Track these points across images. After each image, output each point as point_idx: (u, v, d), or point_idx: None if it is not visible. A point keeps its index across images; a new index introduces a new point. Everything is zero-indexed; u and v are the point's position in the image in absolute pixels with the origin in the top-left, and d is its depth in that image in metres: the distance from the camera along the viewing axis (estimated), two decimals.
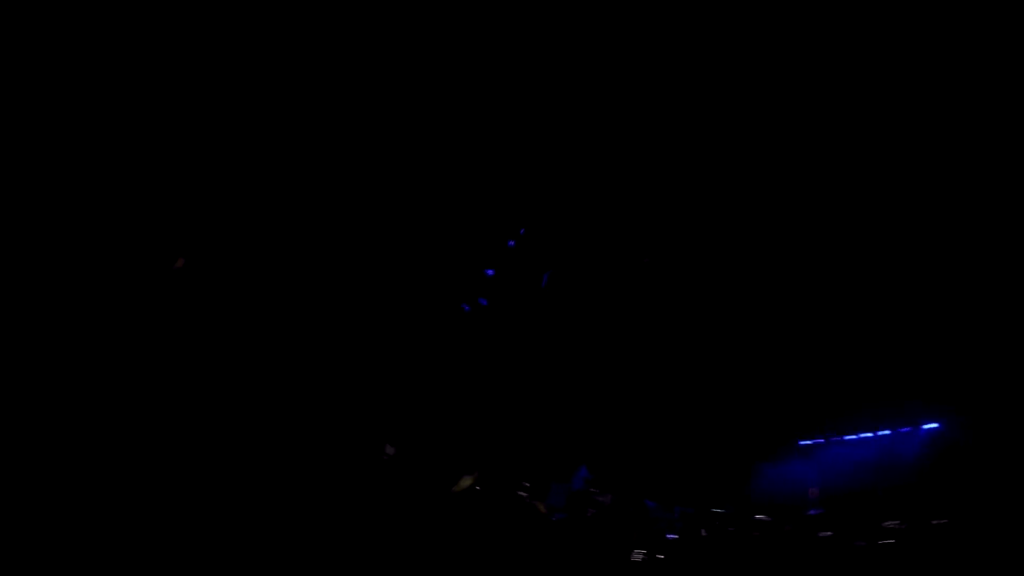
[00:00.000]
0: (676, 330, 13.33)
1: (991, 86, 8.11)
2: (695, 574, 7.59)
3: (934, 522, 8.93)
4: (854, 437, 12.59)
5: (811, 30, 8.44)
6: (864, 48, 8.45)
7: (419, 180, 11.37)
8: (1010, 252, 10.28)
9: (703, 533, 9.13)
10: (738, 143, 10.77)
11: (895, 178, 10.28)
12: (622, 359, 13.57)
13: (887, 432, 12.35)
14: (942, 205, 10.22)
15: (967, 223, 10.30)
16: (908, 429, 12.14)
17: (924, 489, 10.41)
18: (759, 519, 9.03)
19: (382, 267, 11.11)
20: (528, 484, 10.11)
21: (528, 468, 10.09)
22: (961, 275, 10.86)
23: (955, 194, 10.02)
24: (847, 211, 10.84)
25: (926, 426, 11.79)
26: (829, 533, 7.89)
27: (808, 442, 13.09)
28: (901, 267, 11.24)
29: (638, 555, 7.86)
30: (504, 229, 13.92)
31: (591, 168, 12.21)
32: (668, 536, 8.66)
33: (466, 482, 8.01)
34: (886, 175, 10.33)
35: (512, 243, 14.01)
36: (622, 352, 13.62)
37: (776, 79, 9.32)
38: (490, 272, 14.04)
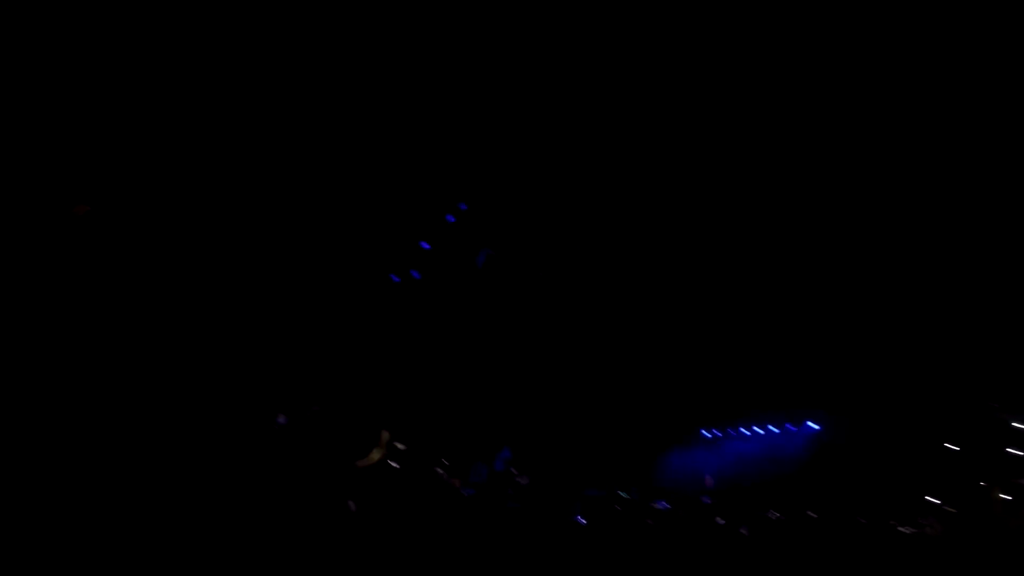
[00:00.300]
0: (598, 321, 13.75)
1: (987, 86, 8.33)
2: (601, 556, 8.05)
3: (808, 514, 10.05)
4: (747, 432, 13.82)
5: (810, 30, 8.65)
6: (864, 48, 8.52)
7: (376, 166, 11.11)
8: (891, 265, 11.40)
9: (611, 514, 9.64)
10: (703, 135, 11.01)
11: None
12: (545, 344, 13.90)
13: (775, 430, 13.66)
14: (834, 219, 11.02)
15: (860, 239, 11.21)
16: (793, 428, 13.48)
17: (801, 483, 11.63)
18: (658, 506, 9.73)
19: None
20: (447, 462, 10.34)
21: (450, 446, 10.30)
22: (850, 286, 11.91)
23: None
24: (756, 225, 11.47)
25: (809, 426, 13.14)
26: (722, 521, 8.64)
27: (709, 434, 14.24)
28: (802, 276, 12.14)
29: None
30: (445, 204, 13.75)
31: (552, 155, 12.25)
32: (577, 519, 9.17)
33: (376, 455, 8.12)
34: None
35: (451, 218, 13.88)
36: (545, 337, 13.95)
37: (763, 77, 9.42)
38: (425, 245, 13.87)
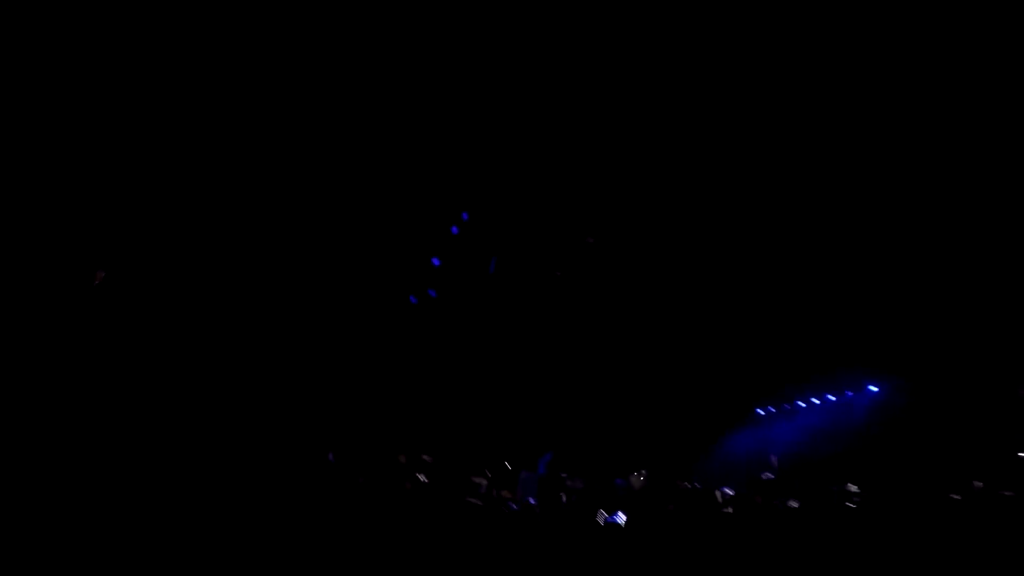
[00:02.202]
0: (628, 310, 13.28)
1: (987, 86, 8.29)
2: (669, 550, 7.39)
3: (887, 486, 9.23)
4: (803, 404, 13.03)
5: (810, 30, 8.47)
6: (863, 48, 8.48)
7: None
8: (949, 236, 10.83)
9: (671, 508, 9.00)
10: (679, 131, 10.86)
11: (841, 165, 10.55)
12: (572, 342, 13.42)
13: (833, 398, 12.83)
14: (891, 188, 10.61)
15: (916, 210, 10.74)
16: (852, 394, 12.65)
17: (872, 453, 10.80)
18: (727, 492, 9.01)
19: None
20: (490, 474, 9.73)
21: (484, 459, 9.78)
22: (902, 256, 11.34)
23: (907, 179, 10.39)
24: (798, 190, 11.06)
25: (870, 389, 12.31)
26: (795, 504, 7.90)
27: (763, 411, 13.49)
28: (845, 247, 11.60)
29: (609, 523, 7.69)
30: (447, 217, 13.45)
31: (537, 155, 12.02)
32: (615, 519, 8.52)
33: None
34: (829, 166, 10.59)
35: (455, 230, 13.54)
36: (572, 335, 13.48)
37: (763, 78, 9.32)
38: (436, 262, 13.52)
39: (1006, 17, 7.33)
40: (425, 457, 8.20)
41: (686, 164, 11.10)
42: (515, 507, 9.51)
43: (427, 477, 7.27)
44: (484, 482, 9.51)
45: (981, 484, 7.84)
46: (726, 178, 11.07)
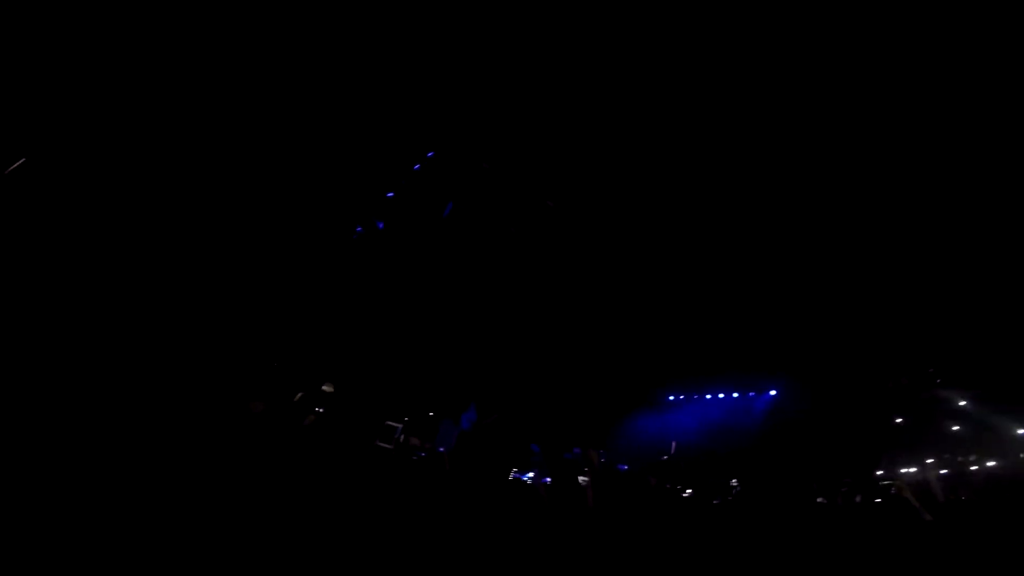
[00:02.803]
0: (566, 293, 13.58)
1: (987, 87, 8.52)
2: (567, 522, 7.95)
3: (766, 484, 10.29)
4: (710, 397, 14.03)
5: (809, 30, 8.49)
6: (864, 48, 8.59)
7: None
8: (854, 241, 11.69)
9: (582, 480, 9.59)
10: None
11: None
12: (511, 314, 13.63)
13: (736, 395, 13.91)
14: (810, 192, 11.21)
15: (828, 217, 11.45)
16: (753, 394, 13.76)
17: (760, 451, 11.94)
18: (619, 468, 9.75)
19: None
20: (407, 419, 10.02)
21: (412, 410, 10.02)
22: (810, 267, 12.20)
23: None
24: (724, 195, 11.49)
25: (769, 392, 13.44)
26: (689, 491, 8.67)
27: (673, 398, 14.41)
28: (766, 257, 12.32)
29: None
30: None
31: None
32: (544, 480, 9.07)
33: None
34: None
35: (417, 167, 13.25)
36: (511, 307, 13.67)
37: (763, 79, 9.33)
38: (390, 195, 13.23)
39: (1006, 17, 7.58)
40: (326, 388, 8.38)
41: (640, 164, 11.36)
42: (423, 455, 9.87)
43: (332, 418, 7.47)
44: (399, 427, 9.75)
45: (847, 491, 8.94)
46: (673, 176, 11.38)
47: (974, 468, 9.80)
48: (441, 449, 9.25)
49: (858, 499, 8.38)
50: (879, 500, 7.96)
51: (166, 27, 7.19)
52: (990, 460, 9.68)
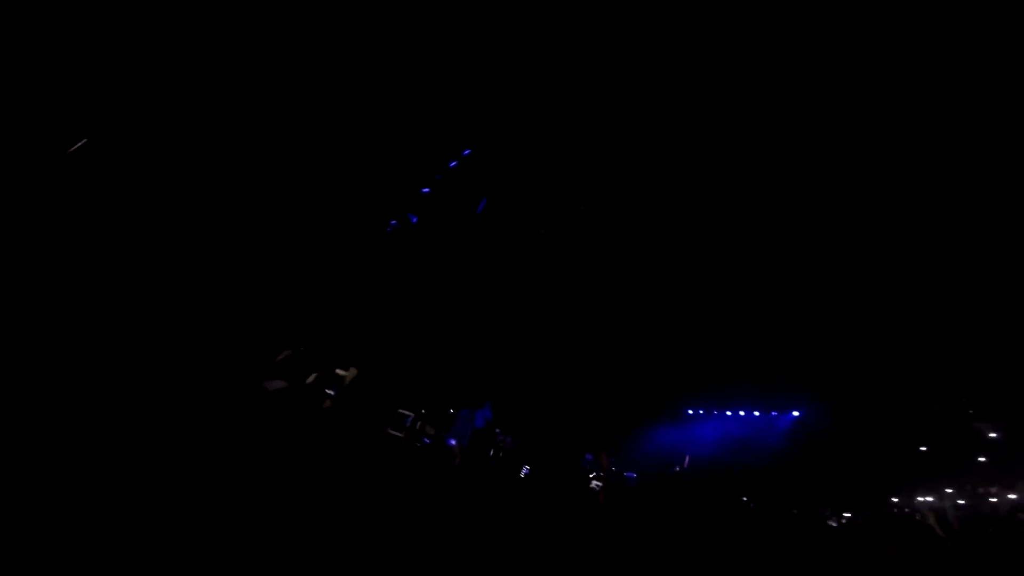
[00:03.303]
0: (587, 301, 13.66)
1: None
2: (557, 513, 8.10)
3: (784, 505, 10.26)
4: (730, 413, 13.95)
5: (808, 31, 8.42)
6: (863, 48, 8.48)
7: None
8: (879, 260, 11.49)
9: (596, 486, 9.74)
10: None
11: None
12: (532, 316, 13.76)
13: (757, 413, 13.79)
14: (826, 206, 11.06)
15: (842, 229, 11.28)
16: (775, 413, 13.63)
17: (776, 471, 11.87)
18: (627, 476, 9.85)
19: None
20: (424, 411, 10.29)
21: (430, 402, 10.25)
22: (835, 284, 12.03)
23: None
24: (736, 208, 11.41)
25: (792, 413, 13.28)
26: (692, 503, 8.76)
27: (693, 412, 14.38)
28: (788, 274, 12.21)
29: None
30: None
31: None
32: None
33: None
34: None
35: (453, 164, 13.54)
36: (532, 310, 13.81)
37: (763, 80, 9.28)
38: (425, 191, 13.55)
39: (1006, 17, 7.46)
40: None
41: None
42: (427, 441, 10.13)
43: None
44: (411, 415, 10.01)
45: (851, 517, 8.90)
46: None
47: (994, 500, 9.61)
48: (452, 442, 9.49)
49: (868, 523, 8.35)
50: (893, 526, 7.91)
51: (197, 25, 7.39)
52: (1011, 493, 9.47)
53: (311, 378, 8.15)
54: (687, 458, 10.63)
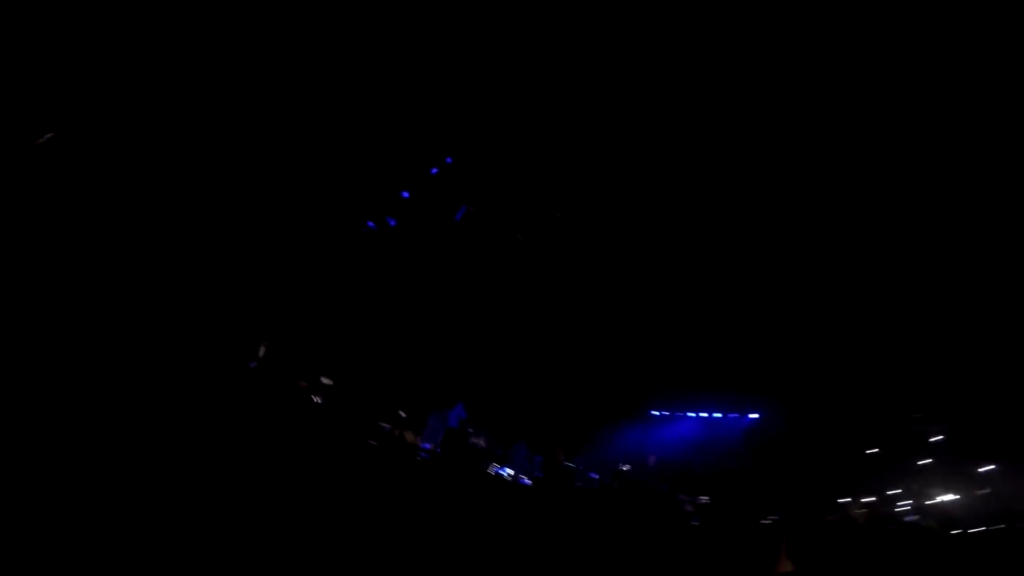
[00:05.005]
0: (561, 303, 14.02)
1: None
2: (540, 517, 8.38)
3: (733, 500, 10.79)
4: (692, 415, 14.56)
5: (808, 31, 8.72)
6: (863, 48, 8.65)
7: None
8: (841, 267, 12.11)
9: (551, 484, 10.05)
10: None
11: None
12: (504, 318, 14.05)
13: (718, 415, 14.43)
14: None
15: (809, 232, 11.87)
16: (735, 415, 14.28)
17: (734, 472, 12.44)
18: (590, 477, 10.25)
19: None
20: (403, 414, 10.53)
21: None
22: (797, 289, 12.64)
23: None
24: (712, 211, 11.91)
25: (750, 415, 13.95)
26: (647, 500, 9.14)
27: (657, 413, 14.94)
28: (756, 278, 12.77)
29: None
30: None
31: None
32: (523, 481, 9.62)
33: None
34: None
35: (434, 171, 13.75)
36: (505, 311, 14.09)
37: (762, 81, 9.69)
38: (405, 194, 13.72)
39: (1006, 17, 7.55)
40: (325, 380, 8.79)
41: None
42: (408, 445, 10.39)
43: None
44: (388, 427, 10.24)
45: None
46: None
47: (933, 502, 10.29)
48: (427, 445, 9.78)
49: (815, 523, 8.89)
50: (837, 525, 8.43)
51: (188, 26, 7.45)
52: (949, 495, 10.16)
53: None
54: (651, 457, 11.13)
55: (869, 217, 11.13)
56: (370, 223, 13.57)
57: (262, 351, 8.62)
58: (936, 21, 8.13)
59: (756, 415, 14.10)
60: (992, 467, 10.65)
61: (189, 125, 8.01)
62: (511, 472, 10.26)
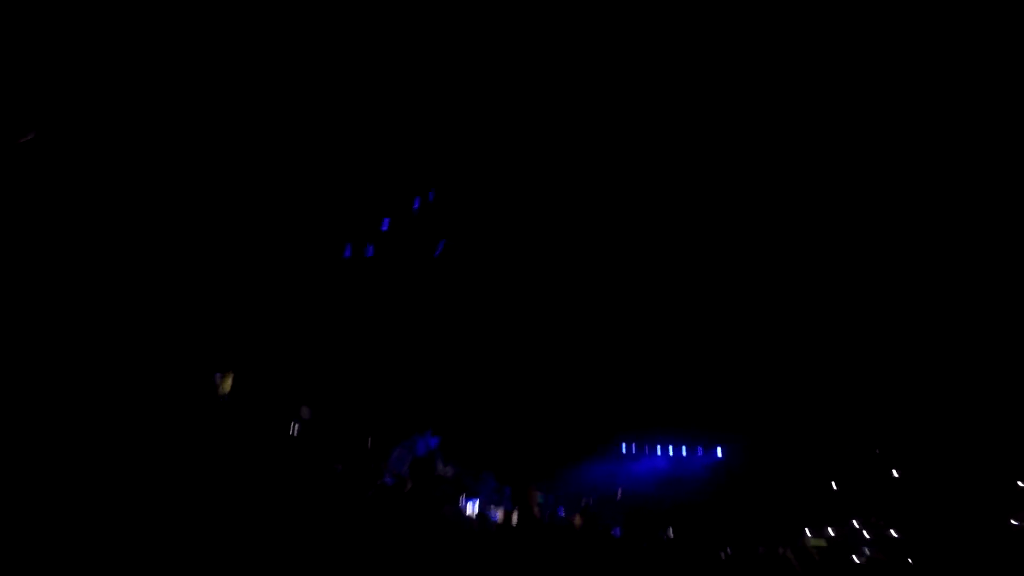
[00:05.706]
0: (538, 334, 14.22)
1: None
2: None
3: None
4: (660, 450, 14.78)
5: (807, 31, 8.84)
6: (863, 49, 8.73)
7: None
8: (802, 306, 12.58)
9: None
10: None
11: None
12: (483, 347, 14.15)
13: (684, 451, 14.69)
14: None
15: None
16: (700, 451, 14.57)
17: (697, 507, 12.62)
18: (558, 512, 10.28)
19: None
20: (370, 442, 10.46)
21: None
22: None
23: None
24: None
25: (715, 452, 14.28)
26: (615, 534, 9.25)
27: (625, 449, 15.09)
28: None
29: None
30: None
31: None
32: (492, 515, 9.60)
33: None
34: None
35: (417, 204, 13.96)
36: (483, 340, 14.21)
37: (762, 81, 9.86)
38: (384, 226, 13.86)
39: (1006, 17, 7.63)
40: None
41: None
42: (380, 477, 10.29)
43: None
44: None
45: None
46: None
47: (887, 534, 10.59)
48: (388, 480, 9.65)
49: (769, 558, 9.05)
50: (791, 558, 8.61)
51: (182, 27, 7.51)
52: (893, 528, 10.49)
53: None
54: (619, 491, 11.27)
55: (825, 248, 11.61)
56: (347, 250, 13.59)
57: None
58: (936, 21, 8.33)
59: (719, 452, 14.42)
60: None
61: (179, 130, 7.97)
62: (479, 503, 10.24)
